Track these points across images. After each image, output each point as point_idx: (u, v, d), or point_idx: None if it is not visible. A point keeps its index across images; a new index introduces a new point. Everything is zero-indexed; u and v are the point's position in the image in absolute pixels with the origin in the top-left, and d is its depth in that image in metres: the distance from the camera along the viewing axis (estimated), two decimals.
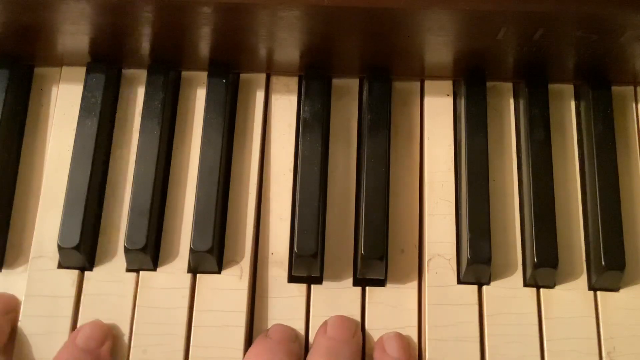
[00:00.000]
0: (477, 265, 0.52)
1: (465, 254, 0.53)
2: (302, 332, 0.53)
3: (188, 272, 0.54)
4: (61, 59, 0.59)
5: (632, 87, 0.59)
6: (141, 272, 0.54)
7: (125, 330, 0.52)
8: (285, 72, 0.59)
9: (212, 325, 0.52)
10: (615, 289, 0.54)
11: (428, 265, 0.54)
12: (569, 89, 0.60)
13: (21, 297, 0.53)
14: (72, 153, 0.55)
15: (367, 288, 0.54)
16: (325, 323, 0.52)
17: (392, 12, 0.51)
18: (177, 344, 0.52)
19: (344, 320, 0.52)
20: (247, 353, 0.51)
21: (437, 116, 0.58)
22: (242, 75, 0.60)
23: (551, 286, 0.54)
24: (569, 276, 0.54)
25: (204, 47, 0.56)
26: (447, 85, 0.59)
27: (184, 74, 0.60)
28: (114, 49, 0.57)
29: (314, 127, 0.56)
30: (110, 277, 0.54)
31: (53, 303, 0.53)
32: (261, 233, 0.55)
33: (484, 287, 0.54)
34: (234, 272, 0.54)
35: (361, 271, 0.54)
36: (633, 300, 0.53)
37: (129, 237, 0.53)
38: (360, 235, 0.53)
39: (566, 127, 0.59)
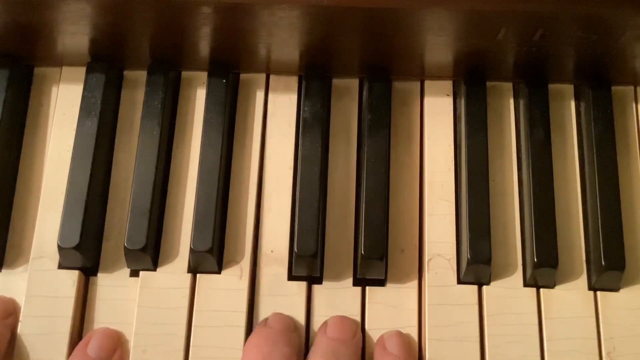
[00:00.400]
0: (477, 265, 0.52)
1: (465, 254, 0.53)
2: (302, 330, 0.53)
3: (188, 272, 0.54)
4: (61, 59, 0.59)
5: (632, 87, 0.59)
6: (141, 272, 0.54)
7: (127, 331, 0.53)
8: (285, 72, 0.59)
9: (212, 325, 0.52)
10: (615, 289, 0.54)
11: (428, 265, 0.54)
12: (569, 89, 0.60)
13: (21, 297, 0.53)
14: (72, 153, 0.55)
15: (367, 288, 0.54)
16: (325, 323, 0.52)
17: (392, 12, 0.51)
18: (177, 344, 0.52)
19: (344, 320, 0.52)
20: (247, 342, 0.51)
21: (437, 116, 0.58)
22: (242, 75, 0.60)
23: (551, 286, 0.54)
24: (569, 276, 0.54)
25: (204, 47, 0.56)
26: (447, 85, 0.59)
27: (184, 74, 0.60)
28: (114, 49, 0.57)
29: (314, 127, 0.56)
30: (115, 280, 0.54)
31: (53, 303, 0.52)
32: (261, 230, 0.55)
33: (484, 287, 0.54)
34: (234, 272, 0.54)
35: (361, 271, 0.54)
36: (633, 300, 0.53)
37: (129, 237, 0.53)
38: (360, 235, 0.53)
39: (566, 127, 0.59)
